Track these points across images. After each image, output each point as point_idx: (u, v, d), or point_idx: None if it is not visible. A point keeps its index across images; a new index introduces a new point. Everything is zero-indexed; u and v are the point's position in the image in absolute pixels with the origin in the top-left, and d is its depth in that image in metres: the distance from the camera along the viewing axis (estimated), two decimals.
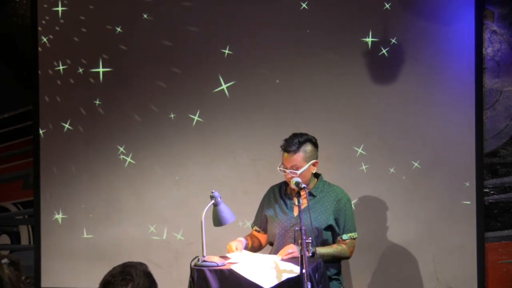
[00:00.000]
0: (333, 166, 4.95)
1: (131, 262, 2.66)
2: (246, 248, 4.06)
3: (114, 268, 2.65)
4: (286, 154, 4.01)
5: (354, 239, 4.12)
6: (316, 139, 4.09)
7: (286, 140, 4.04)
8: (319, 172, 4.19)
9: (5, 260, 2.77)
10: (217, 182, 5.09)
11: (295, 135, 4.05)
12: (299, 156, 3.99)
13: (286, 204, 4.13)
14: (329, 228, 4.07)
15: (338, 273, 4.15)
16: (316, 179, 4.16)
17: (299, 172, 3.97)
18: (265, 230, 4.22)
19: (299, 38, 5.06)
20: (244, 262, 3.77)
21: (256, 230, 4.26)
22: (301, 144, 4.01)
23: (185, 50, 5.22)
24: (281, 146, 4.05)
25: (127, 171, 5.30)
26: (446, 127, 4.92)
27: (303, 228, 3.53)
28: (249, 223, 4.93)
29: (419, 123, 4.95)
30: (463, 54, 4.90)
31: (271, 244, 4.19)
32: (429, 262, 4.95)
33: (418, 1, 4.95)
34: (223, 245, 3.98)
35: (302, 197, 3.81)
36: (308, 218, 3.83)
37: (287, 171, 3.99)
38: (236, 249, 3.94)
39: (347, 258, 4.15)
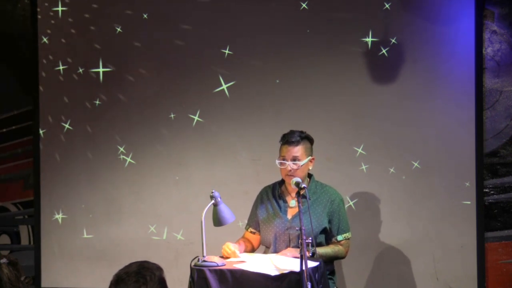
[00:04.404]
0: (333, 166, 4.95)
1: (149, 264, 2.59)
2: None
3: (130, 265, 2.58)
4: (287, 146, 4.00)
5: (348, 239, 4.12)
6: (312, 137, 4.11)
7: (286, 134, 4.05)
8: (318, 171, 4.19)
9: (4, 260, 2.77)
10: (217, 182, 5.09)
11: (294, 131, 4.06)
12: (300, 148, 4.00)
13: (280, 207, 4.11)
14: (323, 231, 4.06)
15: (332, 273, 4.13)
16: (308, 179, 4.14)
17: (301, 163, 3.97)
18: (260, 232, 4.21)
19: (299, 38, 5.06)
20: (246, 262, 3.78)
21: (251, 232, 4.23)
22: (302, 138, 4.02)
23: (185, 50, 5.22)
24: (280, 140, 4.05)
25: (127, 171, 5.30)
26: (446, 127, 4.92)
27: (303, 228, 3.52)
28: None
29: (419, 123, 4.95)
30: (463, 54, 4.90)
31: (266, 247, 4.19)
32: (429, 262, 4.95)
33: (418, 1, 4.95)
34: (223, 245, 3.98)
35: (301, 197, 3.80)
36: (304, 219, 3.81)
37: (287, 163, 3.99)
38: (234, 251, 3.93)
39: (343, 258, 4.15)
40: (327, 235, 4.07)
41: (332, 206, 4.07)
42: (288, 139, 4.01)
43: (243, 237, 4.26)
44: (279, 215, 4.07)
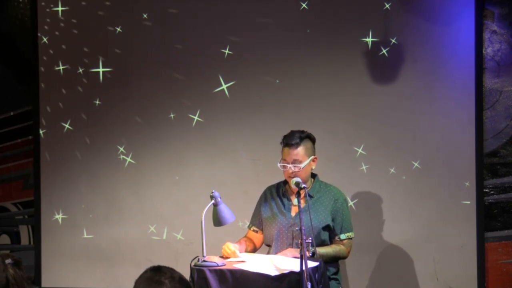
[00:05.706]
0: (333, 166, 4.95)
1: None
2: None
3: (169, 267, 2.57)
4: (287, 148, 4.00)
5: (351, 238, 4.13)
6: (314, 136, 4.10)
7: (286, 136, 4.05)
8: (318, 172, 4.19)
9: (9, 261, 2.77)
10: (217, 182, 5.08)
11: (294, 131, 4.06)
12: (301, 150, 3.99)
13: (283, 205, 4.12)
14: (326, 228, 4.07)
15: (337, 272, 4.15)
16: (312, 179, 4.15)
17: (302, 165, 3.97)
18: (263, 230, 4.21)
19: (299, 38, 5.06)
20: (246, 262, 3.78)
21: (254, 231, 4.24)
22: (302, 139, 4.02)
23: (185, 50, 5.21)
24: (281, 142, 4.05)
25: (127, 171, 5.30)
26: (446, 127, 4.92)
27: (303, 228, 3.53)
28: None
29: (419, 123, 4.95)
30: (463, 54, 4.90)
31: (268, 245, 4.19)
32: (429, 262, 4.95)
33: (418, 1, 4.95)
34: (223, 245, 3.98)
35: (301, 196, 3.81)
36: (306, 218, 3.83)
37: (289, 165, 3.99)
38: (234, 251, 3.93)
39: (345, 258, 4.16)
40: (331, 233, 4.08)
41: (336, 205, 4.08)
42: (287, 142, 4.01)
43: (245, 236, 4.27)
44: (283, 213, 4.09)
